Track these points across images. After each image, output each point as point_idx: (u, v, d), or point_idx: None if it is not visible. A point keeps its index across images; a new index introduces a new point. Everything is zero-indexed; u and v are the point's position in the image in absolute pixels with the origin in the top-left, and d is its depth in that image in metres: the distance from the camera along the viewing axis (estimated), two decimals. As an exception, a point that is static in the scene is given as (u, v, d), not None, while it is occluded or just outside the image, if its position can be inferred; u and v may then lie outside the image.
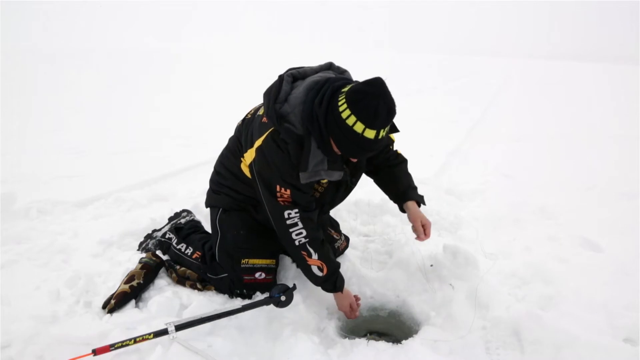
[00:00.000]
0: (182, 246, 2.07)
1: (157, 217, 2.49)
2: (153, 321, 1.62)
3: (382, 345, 1.66)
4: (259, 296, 1.86)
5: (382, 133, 1.46)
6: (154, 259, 1.98)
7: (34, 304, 1.74)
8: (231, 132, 1.97)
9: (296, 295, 1.77)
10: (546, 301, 1.92)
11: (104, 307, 1.73)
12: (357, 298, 1.89)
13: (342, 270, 1.86)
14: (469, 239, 2.53)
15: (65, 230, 2.46)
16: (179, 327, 1.52)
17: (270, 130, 1.61)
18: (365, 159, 1.87)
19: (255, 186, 1.73)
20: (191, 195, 3.03)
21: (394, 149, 2.00)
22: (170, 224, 2.34)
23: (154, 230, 2.35)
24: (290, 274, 2.00)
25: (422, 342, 1.66)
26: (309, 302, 1.88)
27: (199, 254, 2.01)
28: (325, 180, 1.74)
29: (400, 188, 1.95)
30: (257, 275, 1.87)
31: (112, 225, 2.49)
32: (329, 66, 1.72)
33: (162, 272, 2.00)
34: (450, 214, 2.85)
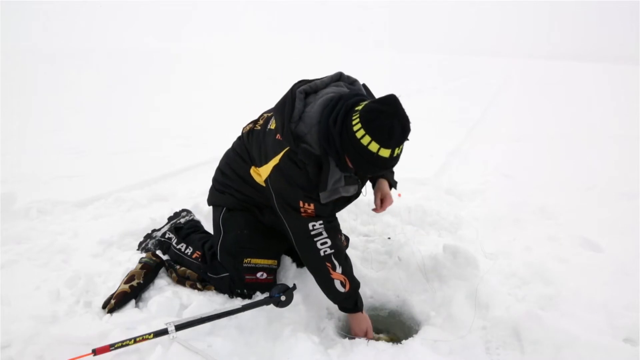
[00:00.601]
0: (182, 246, 2.07)
1: (157, 217, 2.48)
2: (153, 321, 1.62)
3: (382, 345, 1.66)
4: (259, 296, 1.86)
5: (397, 151, 1.45)
6: (154, 258, 1.98)
7: (34, 304, 1.73)
8: (231, 132, 1.97)
9: (296, 295, 1.77)
10: (546, 301, 1.92)
11: (104, 307, 1.73)
12: None
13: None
14: (469, 239, 2.53)
15: (65, 230, 2.45)
16: (179, 327, 1.52)
17: (286, 149, 1.60)
18: None
19: (270, 197, 1.72)
20: (191, 195, 3.03)
21: None
22: (169, 224, 2.34)
23: (154, 230, 2.35)
24: (290, 274, 2.00)
25: (422, 342, 1.66)
26: (309, 302, 1.87)
27: (199, 253, 2.01)
28: None
29: None
30: (258, 275, 1.87)
31: (112, 225, 2.48)
32: (339, 77, 1.70)
33: (162, 272, 2.00)
34: (450, 214, 2.85)
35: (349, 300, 1.74)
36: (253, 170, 1.82)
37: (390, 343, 1.68)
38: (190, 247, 2.05)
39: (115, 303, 1.72)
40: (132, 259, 2.08)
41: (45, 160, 4.08)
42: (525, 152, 5.11)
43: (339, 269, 1.68)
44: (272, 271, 1.91)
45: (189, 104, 8.14)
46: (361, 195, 1.85)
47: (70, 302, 1.75)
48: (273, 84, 10.86)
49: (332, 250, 1.67)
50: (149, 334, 1.49)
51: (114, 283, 1.88)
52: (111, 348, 1.44)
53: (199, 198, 2.78)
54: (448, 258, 2.08)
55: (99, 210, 2.80)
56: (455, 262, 2.05)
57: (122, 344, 1.45)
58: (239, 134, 1.97)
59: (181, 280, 1.95)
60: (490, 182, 3.76)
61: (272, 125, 1.70)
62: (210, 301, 1.81)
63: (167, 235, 2.21)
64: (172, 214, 2.47)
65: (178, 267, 2.00)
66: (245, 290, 1.87)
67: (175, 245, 2.10)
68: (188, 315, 1.66)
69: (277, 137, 1.64)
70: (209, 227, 2.27)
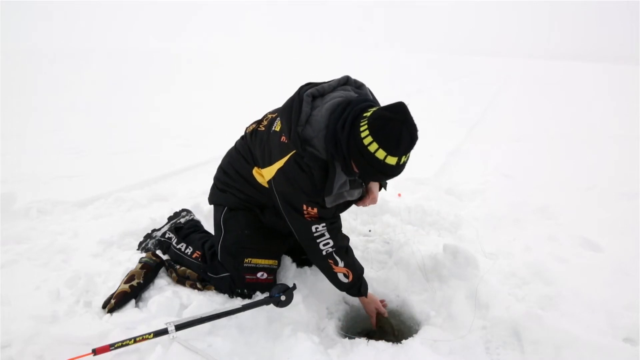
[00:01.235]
0: (182, 246, 2.07)
1: (157, 217, 2.48)
2: (153, 321, 1.62)
3: (382, 345, 1.66)
4: (259, 296, 1.86)
5: (404, 159, 1.45)
6: (154, 258, 1.98)
7: (34, 304, 1.73)
8: (232, 132, 1.97)
9: (296, 295, 1.77)
10: (546, 301, 1.92)
11: (104, 306, 1.73)
12: (382, 301, 1.95)
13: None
14: (469, 239, 2.53)
15: (65, 230, 2.45)
16: (179, 327, 1.52)
17: (292, 153, 1.60)
18: None
19: (274, 198, 1.73)
20: (191, 195, 3.03)
21: None
22: (169, 224, 2.34)
23: (154, 230, 2.35)
24: (290, 274, 2.00)
25: (422, 342, 1.66)
26: (309, 302, 1.88)
27: (199, 253, 2.01)
28: None
29: None
30: (259, 275, 1.87)
31: (112, 225, 2.49)
32: (346, 80, 1.69)
33: (162, 272, 2.00)
34: (450, 214, 2.85)
35: (352, 288, 1.83)
36: (255, 171, 1.82)
37: (390, 343, 1.68)
38: (190, 247, 2.05)
39: (115, 303, 1.72)
40: (132, 259, 2.08)
41: (45, 160, 4.08)
42: (525, 152, 5.12)
43: (341, 264, 1.75)
44: (273, 271, 1.91)
45: (189, 104, 8.14)
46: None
47: (70, 302, 1.75)
48: (273, 84, 10.89)
49: (334, 249, 1.71)
50: (149, 334, 1.49)
51: (114, 283, 1.88)
52: (111, 348, 1.44)
53: (199, 198, 2.78)
54: (448, 258, 2.08)
55: (99, 210, 2.80)
56: (455, 262, 2.05)
57: (122, 344, 1.45)
58: (240, 133, 1.97)
59: (181, 280, 1.95)
60: (490, 182, 3.76)
61: (276, 126, 1.69)
62: (210, 301, 1.81)
63: (167, 235, 2.21)
64: (172, 214, 2.47)
65: (178, 267, 2.00)
66: (245, 290, 1.87)
67: (175, 245, 2.10)
68: (188, 315, 1.66)
69: (282, 140, 1.63)
70: (209, 227, 2.27)
